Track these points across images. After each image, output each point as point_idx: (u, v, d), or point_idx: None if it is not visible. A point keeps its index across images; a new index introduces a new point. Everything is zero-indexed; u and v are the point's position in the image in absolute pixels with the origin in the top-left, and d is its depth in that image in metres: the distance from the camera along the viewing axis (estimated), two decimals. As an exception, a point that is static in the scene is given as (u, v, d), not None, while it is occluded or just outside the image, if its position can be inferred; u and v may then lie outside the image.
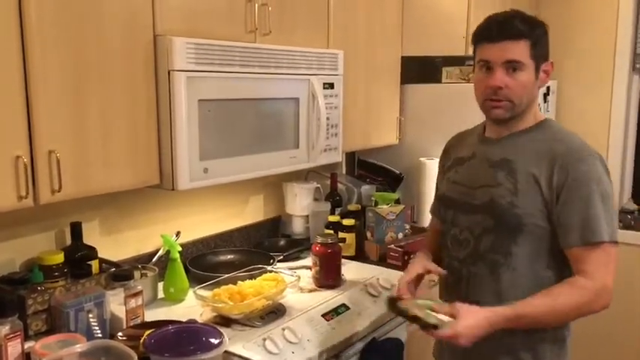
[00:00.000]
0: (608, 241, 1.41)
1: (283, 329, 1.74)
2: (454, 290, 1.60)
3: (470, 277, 1.56)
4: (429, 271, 1.64)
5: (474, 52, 1.54)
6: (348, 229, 2.43)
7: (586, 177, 1.43)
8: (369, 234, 2.51)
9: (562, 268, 1.49)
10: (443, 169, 1.74)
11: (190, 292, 1.99)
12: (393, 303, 1.50)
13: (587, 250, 1.42)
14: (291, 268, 2.21)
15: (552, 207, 1.45)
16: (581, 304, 1.42)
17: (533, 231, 1.47)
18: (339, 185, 2.79)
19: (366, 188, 2.89)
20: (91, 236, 1.91)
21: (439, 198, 1.72)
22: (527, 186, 1.47)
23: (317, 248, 2.10)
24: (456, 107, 2.67)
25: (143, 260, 2.07)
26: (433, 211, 1.82)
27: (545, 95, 3.25)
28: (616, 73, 3.32)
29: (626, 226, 3.41)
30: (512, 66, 1.45)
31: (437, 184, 1.79)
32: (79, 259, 1.81)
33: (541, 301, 1.41)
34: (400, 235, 2.56)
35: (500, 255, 1.51)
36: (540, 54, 1.48)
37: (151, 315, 1.83)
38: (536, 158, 1.48)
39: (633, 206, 3.43)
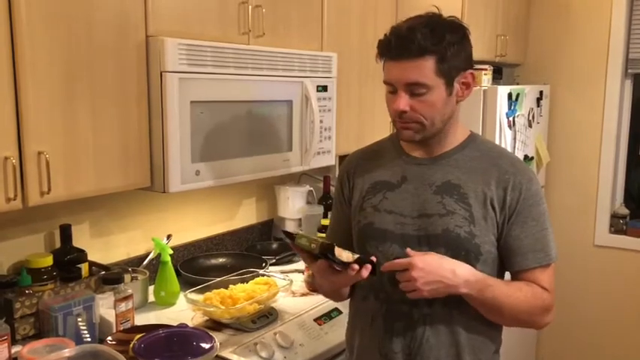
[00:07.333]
0: (555, 260, 1.41)
1: (275, 334, 1.73)
2: (402, 337, 1.40)
3: (426, 321, 1.38)
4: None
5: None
6: (340, 232, 2.42)
7: (537, 197, 1.40)
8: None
9: None
10: (350, 197, 1.53)
11: (181, 296, 1.98)
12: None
13: (539, 270, 1.40)
14: (283, 272, 2.20)
15: (502, 229, 1.38)
16: (534, 308, 1.37)
17: (486, 260, 1.38)
18: (332, 188, 2.78)
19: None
20: (80, 239, 1.89)
21: (363, 230, 1.46)
22: (482, 211, 1.37)
23: (309, 252, 2.08)
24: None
25: (134, 263, 2.06)
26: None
27: (539, 100, 3.26)
28: (608, 78, 3.34)
29: (617, 231, 3.43)
30: (416, 88, 1.31)
31: (337, 214, 1.57)
32: (68, 262, 1.79)
33: (505, 285, 1.37)
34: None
35: None
36: (452, 67, 1.32)
37: (141, 319, 1.82)
38: (483, 179, 1.39)
39: (625, 211, 3.44)
